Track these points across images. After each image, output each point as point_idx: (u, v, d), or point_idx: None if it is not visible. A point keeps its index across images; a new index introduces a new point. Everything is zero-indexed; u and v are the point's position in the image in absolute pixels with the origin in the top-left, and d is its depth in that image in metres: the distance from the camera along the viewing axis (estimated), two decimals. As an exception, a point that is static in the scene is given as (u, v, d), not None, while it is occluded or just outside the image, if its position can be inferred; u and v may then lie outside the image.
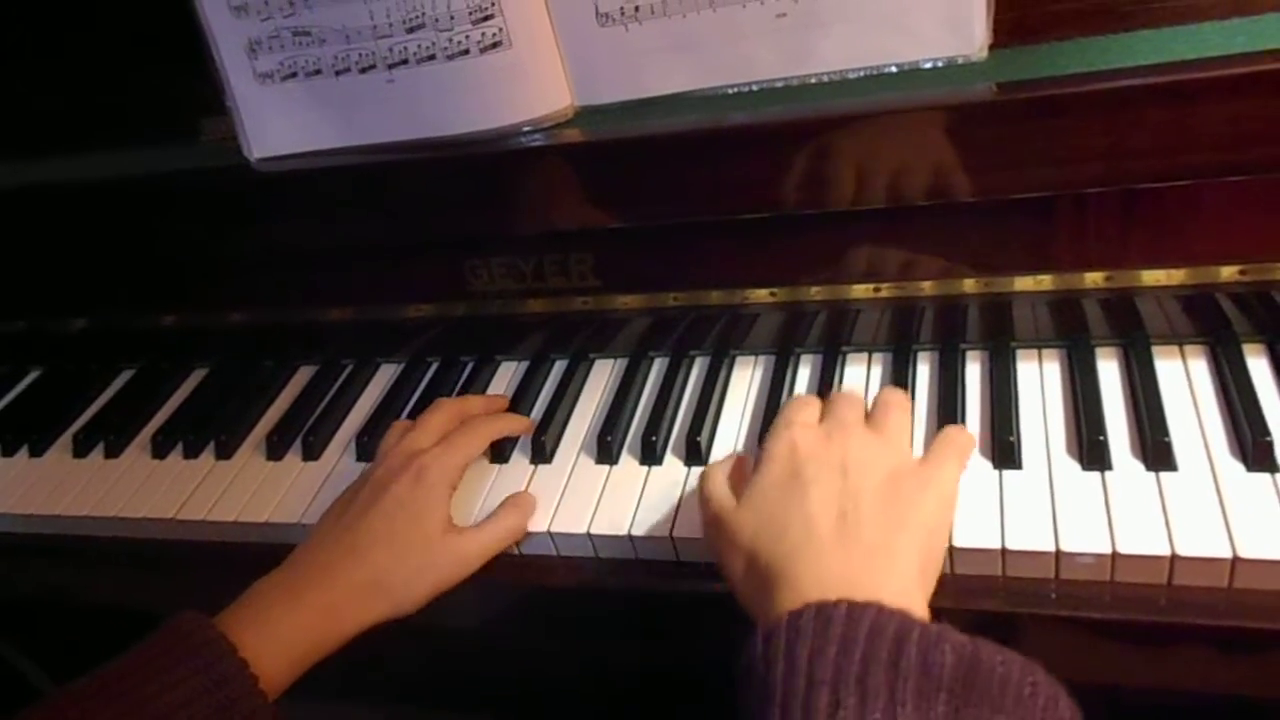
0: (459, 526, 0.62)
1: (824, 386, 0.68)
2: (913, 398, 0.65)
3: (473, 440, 0.66)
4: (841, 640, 0.40)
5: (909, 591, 0.46)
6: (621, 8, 0.63)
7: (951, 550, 0.55)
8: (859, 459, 0.51)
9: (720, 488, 0.54)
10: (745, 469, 0.57)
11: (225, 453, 0.77)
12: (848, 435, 0.53)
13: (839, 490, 0.49)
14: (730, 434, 0.67)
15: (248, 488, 0.73)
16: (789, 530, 0.48)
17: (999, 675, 0.39)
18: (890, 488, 0.50)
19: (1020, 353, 0.67)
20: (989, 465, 0.59)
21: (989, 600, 0.54)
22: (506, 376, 0.79)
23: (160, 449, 0.79)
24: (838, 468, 0.51)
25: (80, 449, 0.82)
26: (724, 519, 0.52)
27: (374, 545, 0.59)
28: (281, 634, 0.56)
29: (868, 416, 0.56)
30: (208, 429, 0.79)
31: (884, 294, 0.67)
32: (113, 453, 0.81)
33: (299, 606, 0.57)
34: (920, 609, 0.45)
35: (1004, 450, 0.59)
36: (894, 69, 0.61)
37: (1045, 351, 0.66)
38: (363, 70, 0.68)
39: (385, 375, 0.83)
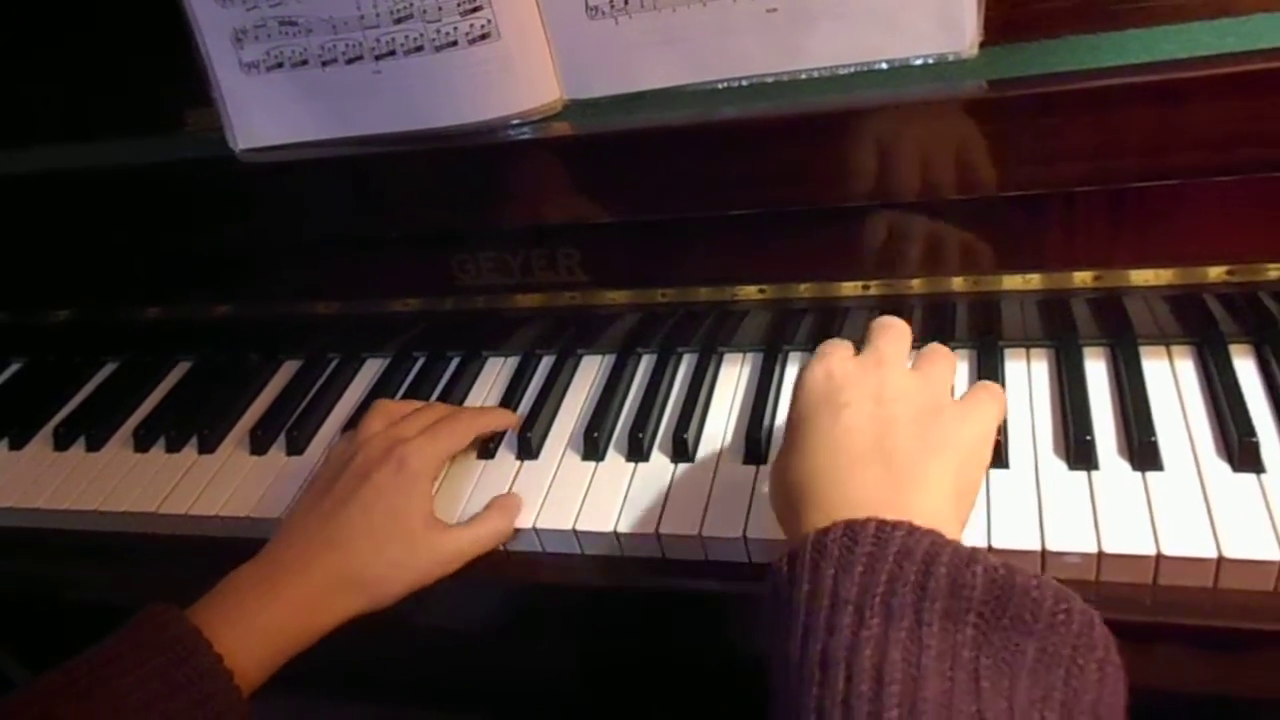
0: (442, 522, 0.62)
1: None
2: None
3: (456, 431, 0.66)
4: (868, 559, 0.39)
5: (943, 514, 0.44)
6: (611, 1, 0.63)
7: (938, 549, 0.54)
8: (895, 390, 0.49)
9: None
10: None
11: (208, 447, 0.77)
12: (885, 368, 0.51)
13: (872, 415, 0.48)
14: (717, 431, 0.67)
15: (231, 482, 0.73)
16: (819, 450, 0.47)
17: (1031, 599, 0.38)
18: (927, 417, 0.48)
19: (1008, 352, 0.67)
20: (976, 464, 0.59)
21: (975, 599, 0.54)
22: (493, 372, 0.79)
23: (143, 442, 0.79)
24: (873, 396, 0.49)
25: (62, 442, 0.81)
26: (773, 469, 0.50)
27: (352, 537, 0.59)
28: (256, 627, 0.55)
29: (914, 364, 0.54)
30: (191, 423, 0.78)
31: (873, 292, 0.67)
32: (95, 446, 0.80)
33: (274, 599, 0.56)
34: (954, 532, 0.42)
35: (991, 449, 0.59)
36: (884, 65, 0.61)
37: (1033, 350, 0.66)
38: (349, 61, 0.67)
39: (371, 370, 0.82)
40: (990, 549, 0.54)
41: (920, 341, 0.68)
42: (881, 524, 0.40)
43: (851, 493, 0.44)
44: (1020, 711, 0.36)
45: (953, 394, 0.52)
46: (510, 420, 0.70)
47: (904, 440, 0.46)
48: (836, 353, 0.52)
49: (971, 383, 0.64)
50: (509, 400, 0.74)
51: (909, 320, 0.67)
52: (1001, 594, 0.38)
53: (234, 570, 0.58)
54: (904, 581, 0.38)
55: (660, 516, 0.61)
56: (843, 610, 0.38)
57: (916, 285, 0.66)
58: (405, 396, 0.78)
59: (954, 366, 0.54)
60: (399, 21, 0.65)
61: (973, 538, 0.54)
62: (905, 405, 0.48)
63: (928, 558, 0.39)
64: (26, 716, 0.50)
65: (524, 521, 0.63)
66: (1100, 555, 0.52)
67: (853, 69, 0.61)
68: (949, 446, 0.47)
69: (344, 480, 0.61)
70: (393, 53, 0.66)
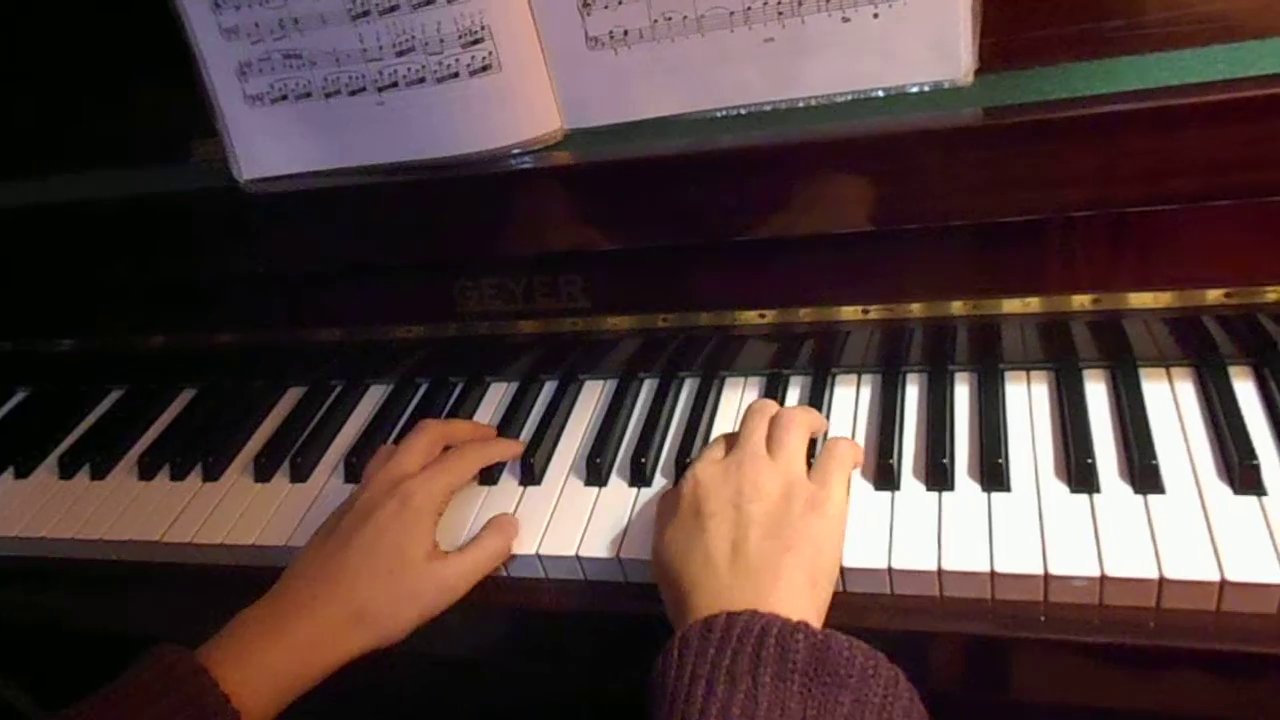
0: (443, 552, 0.62)
1: (813, 408, 0.68)
2: (901, 419, 0.65)
3: (460, 466, 0.66)
4: (719, 643, 0.47)
5: (795, 604, 0.51)
6: (611, 32, 0.64)
7: (940, 574, 0.55)
8: (751, 488, 0.56)
9: (658, 511, 0.60)
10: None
11: (213, 474, 0.77)
12: (742, 467, 0.58)
13: (732, 521, 0.55)
14: (719, 456, 0.67)
15: (235, 509, 0.73)
16: (691, 564, 0.54)
17: (845, 659, 0.46)
18: (780, 511, 0.55)
19: (1009, 375, 0.67)
20: (978, 487, 0.59)
21: (978, 623, 0.54)
22: (496, 398, 0.79)
23: (147, 470, 0.79)
24: (731, 501, 0.56)
25: (66, 470, 0.82)
26: (655, 547, 0.57)
27: (356, 576, 0.59)
28: (264, 666, 0.55)
29: (768, 438, 0.61)
30: (195, 451, 0.79)
31: (873, 316, 0.67)
32: (99, 474, 0.81)
33: (281, 639, 0.56)
34: (809, 617, 0.50)
35: (992, 472, 0.59)
36: (881, 93, 0.61)
37: (1034, 373, 0.67)
38: (352, 93, 0.68)
39: (374, 396, 0.83)
40: (993, 573, 0.54)
41: (918, 364, 0.69)
42: (730, 615, 0.48)
43: (716, 598, 0.52)
44: None
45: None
46: (515, 450, 0.71)
47: (756, 541, 0.53)
48: (708, 457, 0.60)
49: (974, 409, 0.65)
50: (511, 425, 0.74)
51: (909, 343, 0.68)
52: (821, 655, 0.46)
53: (241, 611, 0.58)
54: (742, 653, 0.46)
55: (663, 542, 0.61)
56: (698, 684, 0.46)
57: (916, 309, 0.66)
58: (409, 422, 0.78)
59: (805, 430, 0.61)
60: (401, 54, 0.66)
61: (974, 562, 0.54)
62: (761, 505, 0.55)
63: (762, 633, 0.47)
64: None
65: (527, 547, 0.63)
66: (1103, 579, 0.52)
67: (850, 97, 0.62)
68: (801, 541, 0.54)
69: (348, 519, 0.62)
70: (395, 84, 0.67)
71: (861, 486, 0.61)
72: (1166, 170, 0.55)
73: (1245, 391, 0.61)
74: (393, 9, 0.64)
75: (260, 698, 0.54)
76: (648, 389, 0.75)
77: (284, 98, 0.70)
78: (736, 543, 0.53)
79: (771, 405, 0.64)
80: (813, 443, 0.63)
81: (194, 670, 0.53)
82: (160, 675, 0.53)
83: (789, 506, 0.55)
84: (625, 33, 0.63)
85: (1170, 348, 0.64)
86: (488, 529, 0.64)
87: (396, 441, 0.73)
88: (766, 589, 0.51)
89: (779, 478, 0.57)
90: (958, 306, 0.65)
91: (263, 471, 0.76)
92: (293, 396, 0.85)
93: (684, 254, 0.68)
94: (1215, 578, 0.50)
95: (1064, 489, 0.58)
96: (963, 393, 0.67)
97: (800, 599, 0.51)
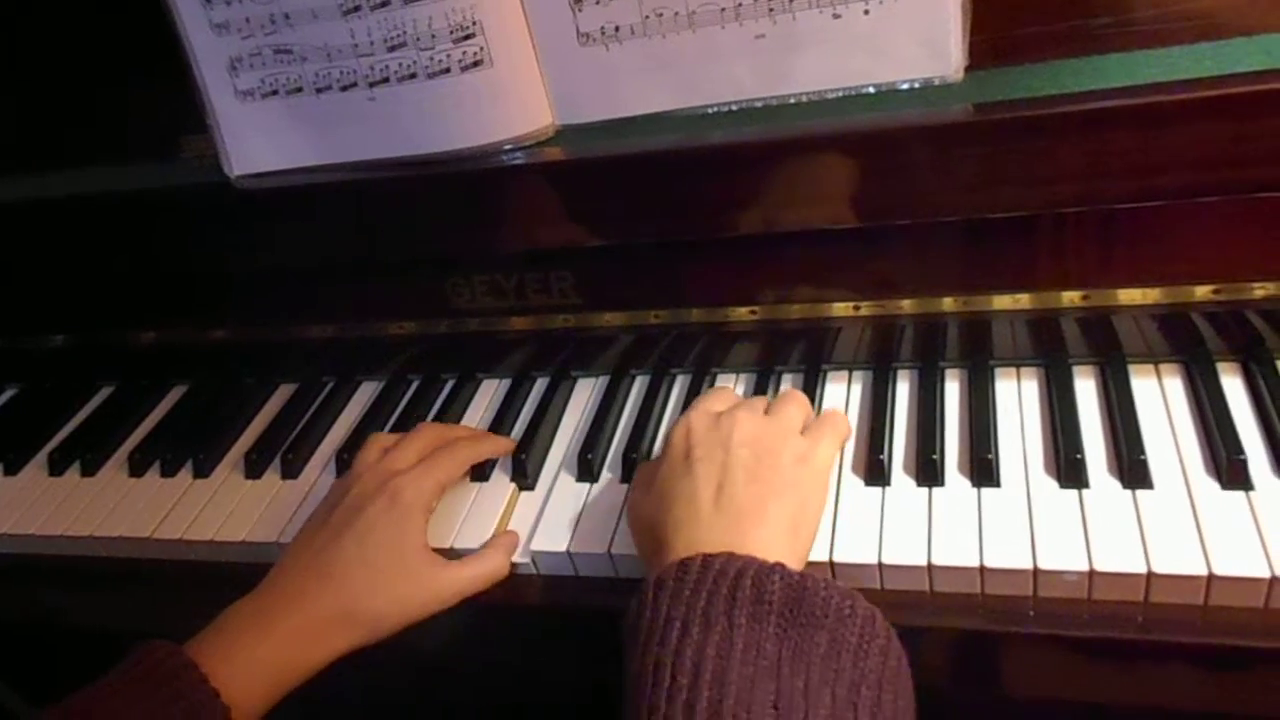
0: (437, 557, 0.61)
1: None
2: (892, 415, 0.65)
3: (451, 463, 0.66)
4: (694, 585, 0.47)
5: (778, 548, 0.51)
6: (602, 28, 0.64)
7: (931, 568, 0.55)
8: (742, 435, 0.56)
9: (638, 478, 0.61)
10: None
11: (203, 471, 0.77)
12: (736, 416, 0.58)
13: (720, 464, 0.55)
14: (711, 452, 0.67)
15: (226, 506, 0.73)
16: (676, 504, 0.54)
17: (821, 599, 0.46)
18: (768, 458, 0.55)
19: (999, 371, 0.67)
20: (968, 483, 0.59)
21: (968, 618, 0.55)
22: (488, 394, 0.79)
23: (137, 467, 0.79)
24: (721, 445, 0.56)
25: (56, 467, 0.81)
26: (633, 504, 0.58)
27: (346, 571, 0.58)
28: (253, 661, 0.55)
29: (768, 409, 0.61)
30: (186, 447, 0.79)
31: (864, 312, 0.67)
32: (89, 471, 0.80)
33: (270, 634, 0.56)
34: (792, 563, 0.49)
35: (982, 468, 0.59)
36: (871, 90, 0.62)
37: (1024, 370, 0.67)
38: (344, 88, 0.68)
39: (366, 393, 0.83)
40: (983, 568, 0.54)
41: (909, 360, 0.69)
42: (706, 556, 0.48)
43: (696, 538, 0.52)
44: (813, 689, 0.44)
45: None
46: (506, 447, 0.70)
47: (744, 483, 0.54)
48: (700, 407, 0.60)
49: (964, 405, 0.65)
50: (503, 422, 0.74)
51: (900, 339, 0.68)
52: (797, 596, 0.46)
53: (231, 605, 0.58)
54: (717, 595, 0.46)
55: (654, 538, 0.61)
56: (672, 626, 0.46)
57: (907, 305, 0.66)
58: (400, 418, 0.78)
59: (806, 409, 0.62)
60: (393, 49, 0.66)
61: (964, 557, 0.54)
62: (749, 450, 0.56)
63: (738, 574, 0.47)
64: None
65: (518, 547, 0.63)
66: (1092, 573, 0.52)
67: (840, 93, 0.62)
68: (787, 488, 0.54)
69: (338, 514, 0.61)
70: (386, 80, 0.67)
71: (852, 482, 0.61)
72: (1155, 166, 0.55)
73: (1233, 387, 0.61)
74: (384, 4, 0.64)
75: (250, 693, 0.54)
76: (639, 386, 0.75)
77: (275, 93, 0.70)
78: (722, 484, 0.54)
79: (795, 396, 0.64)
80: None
81: (184, 665, 0.53)
82: (150, 670, 0.52)
83: (778, 457, 0.56)
84: (617, 29, 0.63)
85: (1159, 344, 0.64)
86: (490, 546, 0.63)
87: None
88: (748, 530, 0.52)
89: (772, 430, 0.58)
90: (948, 303, 0.65)
91: (253, 468, 0.76)
92: (284, 393, 0.84)
93: (675, 250, 0.68)
94: (1203, 572, 0.51)
95: (1053, 484, 0.58)
96: (953, 389, 0.67)
97: (781, 544, 0.52)
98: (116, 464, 0.81)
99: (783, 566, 0.47)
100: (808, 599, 0.46)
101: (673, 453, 0.58)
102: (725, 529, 0.52)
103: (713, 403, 0.62)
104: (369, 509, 0.61)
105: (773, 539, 0.52)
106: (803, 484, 0.55)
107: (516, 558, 0.63)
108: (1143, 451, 0.57)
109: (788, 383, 0.72)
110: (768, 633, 0.45)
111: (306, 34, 0.67)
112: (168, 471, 0.78)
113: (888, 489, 0.60)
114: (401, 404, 0.80)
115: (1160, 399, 0.62)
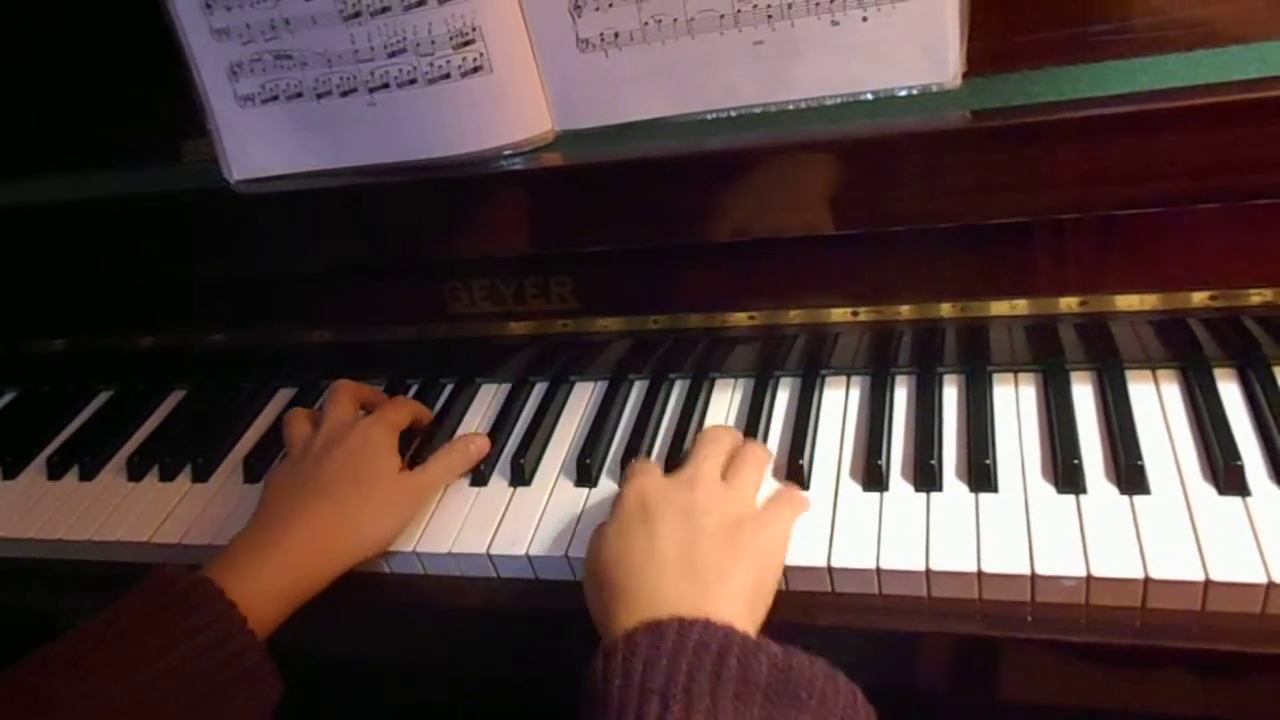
0: (409, 470, 0.68)
1: (803, 409, 0.68)
2: (890, 420, 0.66)
3: (400, 410, 0.72)
4: (672, 653, 0.45)
5: (737, 613, 0.50)
6: (601, 34, 0.64)
7: (929, 573, 0.55)
8: (703, 504, 0.56)
9: (591, 542, 0.58)
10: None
11: (202, 475, 0.77)
12: (695, 484, 0.58)
13: (684, 528, 0.55)
14: (709, 457, 0.67)
15: (224, 510, 0.73)
16: (633, 554, 0.54)
17: (805, 680, 0.45)
18: (730, 527, 0.55)
19: (996, 376, 0.67)
20: (965, 488, 0.59)
21: (966, 624, 0.55)
22: (487, 399, 0.79)
23: (137, 472, 0.79)
24: (682, 510, 0.56)
25: (55, 471, 0.81)
26: (589, 555, 0.57)
27: (339, 482, 0.64)
28: (263, 577, 0.58)
29: (724, 470, 0.61)
30: (185, 452, 0.79)
31: (862, 318, 0.67)
32: (88, 475, 0.80)
33: (275, 550, 0.59)
34: (749, 629, 0.49)
35: (980, 473, 0.59)
36: (870, 96, 0.62)
37: (1021, 375, 0.67)
38: (344, 94, 0.68)
39: (365, 397, 0.83)
40: (981, 573, 0.54)
41: (907, 365, 0.69)
42: (682, 621, 0.47)
43: (658, 592, 0.51)
44: None
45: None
46: (425, 414, 0.76)
47: (708, 547, 0.53)
48: (646, 473, 0.60)
49: (962, 411, 0.65)
50: (502, 426, 0.74)
51: (898, 344, 0.68)
52: (782, 676, 0.45)
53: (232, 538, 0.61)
54: (702, 670, 0.45)
55: (653, 543, 0.61)
56: (650, 699, 0.44)
57: (905, 311, 0.66)
58: (399, 424, 0.78)
59: (763, 470, 0.62)
60: (393, 55, 0.66)
61: (962, 562, 0.54)
62: (712, 518, 0.55)
63: (722, 649, 0.46)
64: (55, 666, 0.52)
65: (516, 549, 0.63)
66: (1089, 579, 0.52)
67: (839, 100, 0.62)
68: (749, 554, 0.54)
69: (315, 449, 0.67)
70: (386, 85, 0.67)
71: (850, 487, 0.62)
72: (1152, 173, 0.55)
73: (1230, 393, 0.61)
74: (384, 10, 0.64)
75: (263, 607, 0.57)
76: (638, 390, 0.75)
77: (275, 98, 0.70)
78: (685, 546, 0.53)
79: (728, 436, 0.64)
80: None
81: (197, 581, 0.55)
82: (164, 589, 0.55)
83: (739, 525, 0.56)
84: (616, 35, 0.64)
85: (1156, 350, 0.64)
86: (453, 440, 0.71)
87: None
88: (712, 592, 0.51)
89: (730, 503, 0.57)
90: (946, 308, 0.65)
91: (252, 472, 0.76)
92: (283, 397, 0.84)
93: (674, 255, 0.68)
94: (1200, 578, 0.51)
95: (1051, 490, 0.58)
96: (951, 394, 0.67)
97: (742, 610, 0.51)
98: (115, 468, 0.81)
99: (768, 644, 0.47)
100: (793, 679, 0.45)
101: (628, 510, 0.57)
102: (690, 592, 0.51)
103: (655, 470, 0.61)
104: (346, 441, 0.67)
105: (735, 607, 0.51)
106: (762, 552, 0.55)
107: (507, 551, 0.63)
108: (1140, 457, 0.57)
109: (786, 387, 0.72)
110: (753, 714, 0.44)
111: (307, 40, 0.67)
112: (166, 476, 0.78)
113: (886, 494, 0.60)
114: (400, 408, 0.80)
115: (1158, 405, 0.62)
